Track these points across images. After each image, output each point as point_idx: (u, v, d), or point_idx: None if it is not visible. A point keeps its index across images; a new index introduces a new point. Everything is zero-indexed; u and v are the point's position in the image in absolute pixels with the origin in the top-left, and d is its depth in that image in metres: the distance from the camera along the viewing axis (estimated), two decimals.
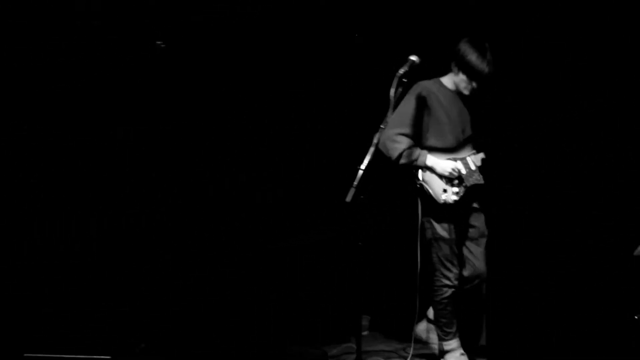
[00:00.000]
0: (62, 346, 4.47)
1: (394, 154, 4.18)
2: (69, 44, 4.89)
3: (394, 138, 4.18)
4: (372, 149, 3.60)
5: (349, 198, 3.46)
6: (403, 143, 4.18)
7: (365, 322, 5.14)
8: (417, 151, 4.19)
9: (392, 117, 4.10)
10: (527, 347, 4.53)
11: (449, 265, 4.25)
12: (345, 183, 3.53)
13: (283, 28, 5.19)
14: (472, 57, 4.11)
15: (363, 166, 3.53)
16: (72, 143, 4.95)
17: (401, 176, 4.34)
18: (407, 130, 4.20)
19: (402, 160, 4.19)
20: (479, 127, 4.35)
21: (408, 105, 4.20)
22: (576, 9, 4.64)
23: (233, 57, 5.19)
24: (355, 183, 3.48)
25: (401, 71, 3.75)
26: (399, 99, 3.79)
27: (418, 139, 4.25)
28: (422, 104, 4.21)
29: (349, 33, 5.21)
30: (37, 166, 4.88)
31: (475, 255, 4.33)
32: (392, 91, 3.70)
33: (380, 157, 4.14)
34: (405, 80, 3.75)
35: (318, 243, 5.22)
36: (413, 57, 3.79)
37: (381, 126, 3.66)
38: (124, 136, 5.03)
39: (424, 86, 4.25)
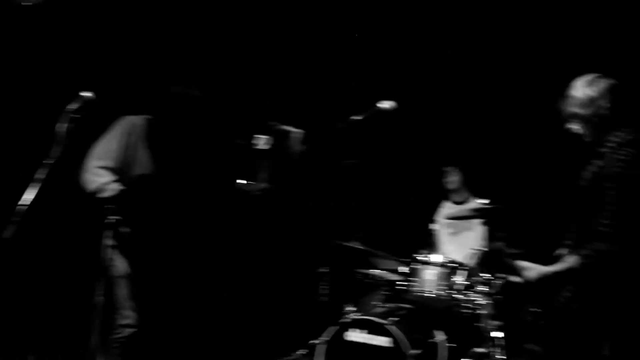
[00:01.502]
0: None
1: (91, 187, 4.03)
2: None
3: (94, 171, 4.05)
4: (34, 184, 3.46)
5: (7, 235, 3.31)
6: (103, 177, 4.04)
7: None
8: (116, 187, 4.03)
9: (97, 150, 4.06)
10: None
11: (129, 304, 4.11)
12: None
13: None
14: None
15: (25, 202, 3.39)
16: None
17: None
18: (110, 163, 4.08)
19: (100, 194, 4.01)
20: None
21: (114, 139, 4.13)
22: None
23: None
24: (17, 219, 3.34)
25: (72, 107, 3.65)
26: (73, 134, 3.65)
27: (122, 173, 4.11)
28: (128, 138, 4.13)
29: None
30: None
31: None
32: (61, 126, 3.59)
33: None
34: (77, 116, 3.64)
35: None
36: (86, 93, 3.71)
37: (44, 162, 3.53)
38: None
39: (131, 121, 4.21)
